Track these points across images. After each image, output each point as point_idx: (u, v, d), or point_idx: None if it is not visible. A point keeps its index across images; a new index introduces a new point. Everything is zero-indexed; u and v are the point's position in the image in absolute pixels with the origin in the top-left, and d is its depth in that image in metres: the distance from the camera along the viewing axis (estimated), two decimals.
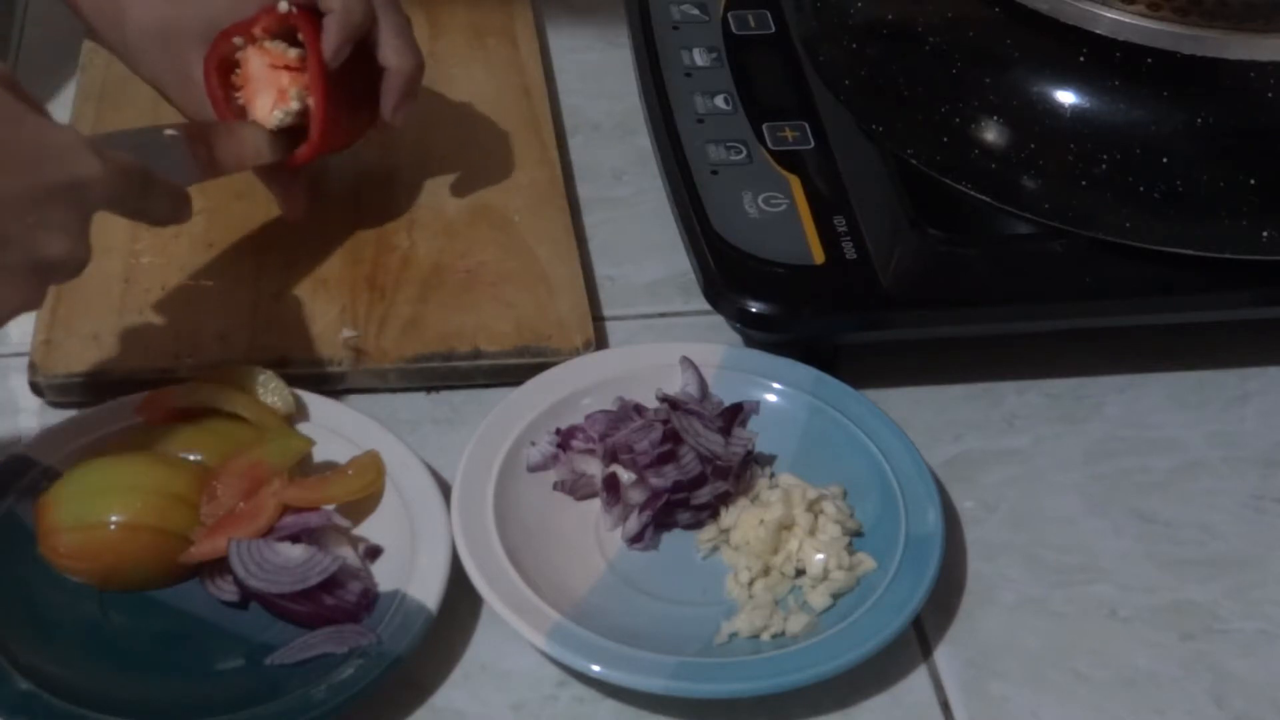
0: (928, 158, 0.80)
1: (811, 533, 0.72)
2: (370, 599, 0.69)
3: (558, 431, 0.75)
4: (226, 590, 0.70)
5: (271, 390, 0.76)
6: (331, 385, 0.79)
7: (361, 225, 0.86)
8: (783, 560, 0.72)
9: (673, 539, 0.74)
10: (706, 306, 0.80)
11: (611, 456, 0.73)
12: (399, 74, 0.80)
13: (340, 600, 0.68)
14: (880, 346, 0.81)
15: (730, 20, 0.93)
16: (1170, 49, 0.77)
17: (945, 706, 0.70)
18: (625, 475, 0.73)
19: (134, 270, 0.83)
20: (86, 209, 0.66)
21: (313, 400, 0.76)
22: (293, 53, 0.79)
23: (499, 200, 0.88)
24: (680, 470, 0.72)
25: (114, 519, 0.69)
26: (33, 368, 0.78)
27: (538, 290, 0.83)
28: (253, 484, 0.71)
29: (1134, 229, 0.77)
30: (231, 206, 0.86)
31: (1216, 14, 0.76)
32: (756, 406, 0.76)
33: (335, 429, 0.75)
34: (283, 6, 0.78)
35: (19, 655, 0.66)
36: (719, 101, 0.88)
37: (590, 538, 0.73)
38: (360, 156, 0.89)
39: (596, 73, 0.99)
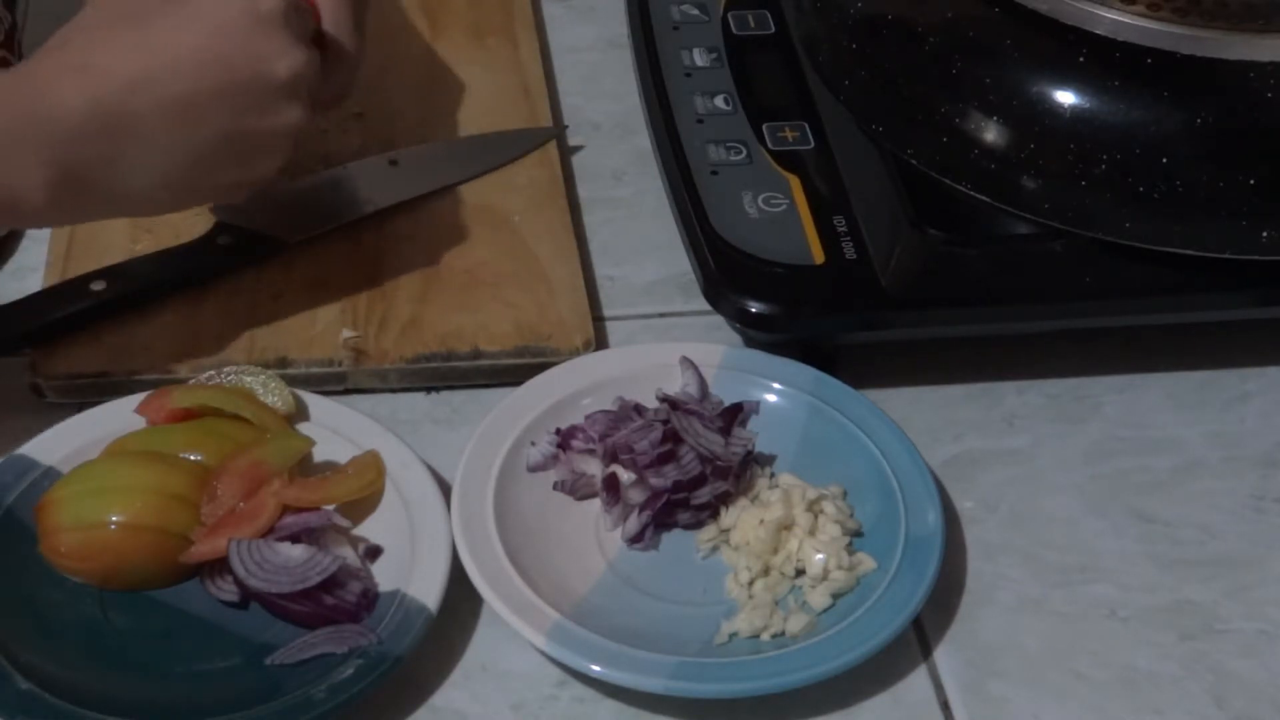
0: (928, 158, 0.80)
1: (811, 533, 0.72)
2: (370, 599, 0.69)
3: (558, 431, 0.75)
4: (226, 590, 0.70)
5: (271, 390, 0.76)
6: (331, 385, 0.79)
7: (362, 225, 0.86)
8: (783, 560, 0.72)
9: (673, 539, 0.74)
10: (706, 306, 0.80)
11: (611, 456, 0.73)
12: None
13: (340, 600, 0.68)
14: (880, 346, 0.81)
15: (730, 20, 0.93)
16: (1170, 49, 0.77)
17: (945, 706, 0.70)
18: (625, 475, 0.73)
19: None
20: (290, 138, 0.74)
21: (313, 400, 0.76)
22: None
23: (499, 200, 0.88)
24: (680, 470, 0.72)
25: (114, 519, 0.69)
26: (33, 368, 0.78)
27: (538, 290, 0.83)
28: (253, 484, 0.71)
29: (1134, 229, 0.77)
30: None
31: (1216, 14, 0.76)
32: (756, 406, 0.76)
33: (335, 429, 0.75)
34: None
35: (19, 655, 0.66)
36: (719, 101, 0.88)
37: (590, 538, 0.73)
38: (360, 155, 0.89)
39: (596, 73, 0.99)
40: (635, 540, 0.73)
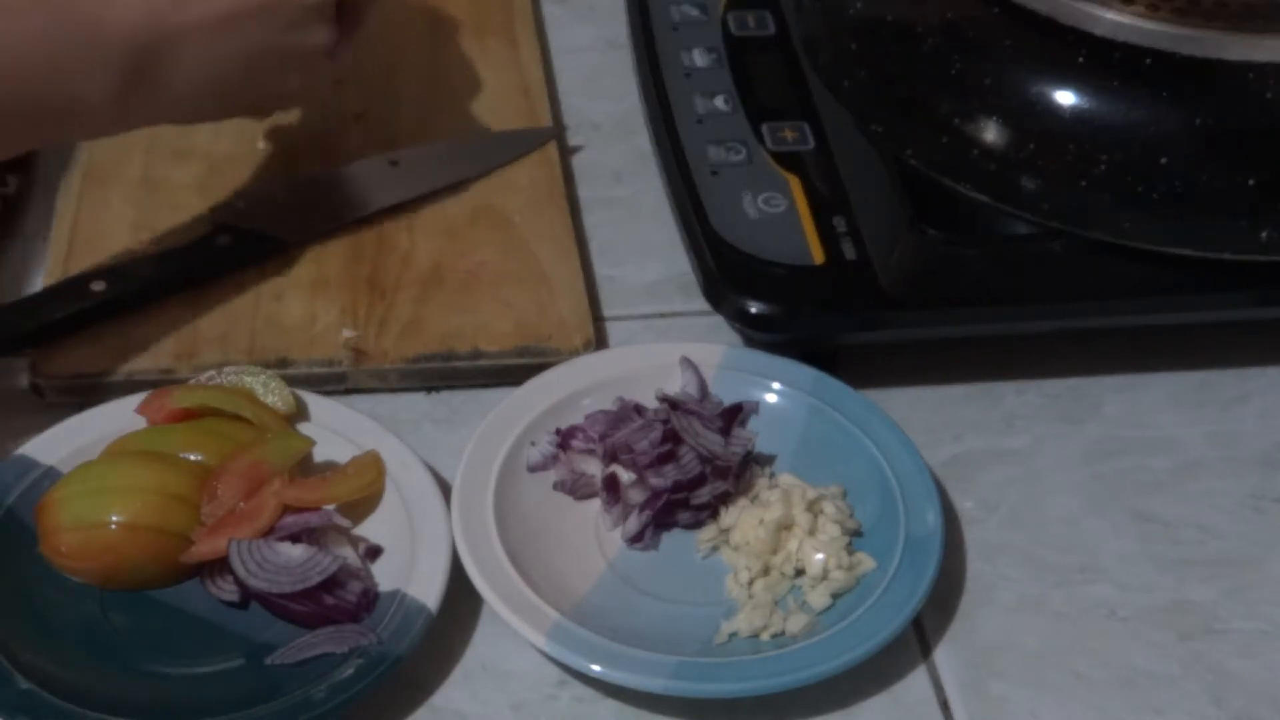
0: (928, 158, 0.80)
1: (811, 533, 0.72)
2: (370, 599, 0.69)
3: (558, 431, 0.75)
4: (227, 590, 0.70)
5: (271, 390, 0.76)
6: (331, 385, 0.79)
7: (362, 225, 0.86)
8: (782, 560, 0.72)
9: (673, 539, 0.74)
10: (706, 306, 0.80)
11: (611, 456, 0.73)
12: None
13: (340, 600, 0.68)
14: (880, 346, 0.82)
15: (730, 21, 0.93)
16: (1169, 50, 0.77)
17: (945, 706, 0.70)
18: (625, 475, 0.73)
19: None
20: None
21: (313, 400, 0.76)
22: None
23: (499, 200, 0.88)
24: (680, 470, 0.72)
25: (115, 519, 0.69)
26: (33, 368, 0.78)
27: (538, 290, 0.83)
28: (253, 484, 0.71)
29: (1134, 229, 0.78)
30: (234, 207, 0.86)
31: (1215, 15, 0.76)
32: (756, 406, 0.76)
33: (335, 429, 0.75)
34: None
35: (19, 655, 0.67)
36: (719, 102, 0.88)
37: (590, 538, 0.73)
38: (360, 155, 0.89)
39: (596, 73, 0.99)
40: (635, 540, 0.73)
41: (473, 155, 0.90)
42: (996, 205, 0.79)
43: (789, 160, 0.85)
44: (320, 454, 0.74)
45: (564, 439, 0.75)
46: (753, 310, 0.78)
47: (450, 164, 0.89)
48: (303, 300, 0.82)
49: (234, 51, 0.76)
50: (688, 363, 0.77)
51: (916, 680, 0.71)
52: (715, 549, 0.73)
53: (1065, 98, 0.78)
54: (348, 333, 0.80)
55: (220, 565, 0.69)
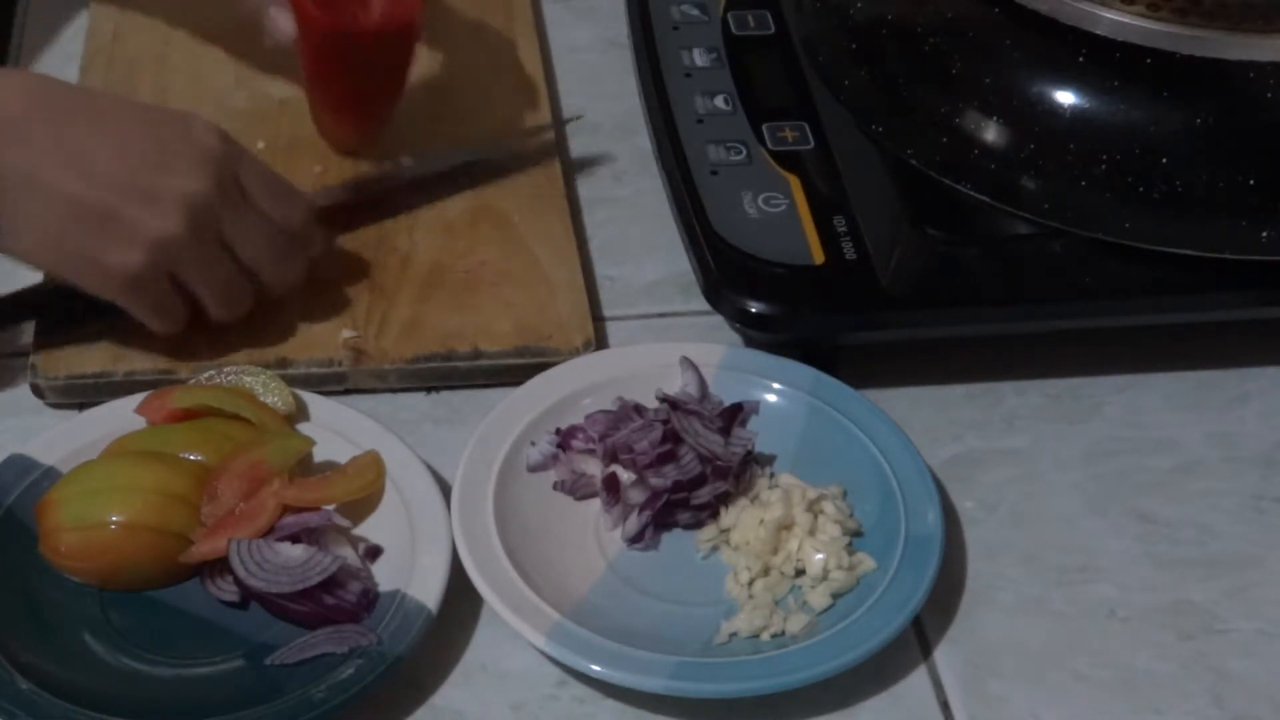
0: (928, 158, 0.81)
1: (811, 533, 0.72)
2: (370, 599, 0.69)
3: (558, 431, 0.75)
4: (227, 590, 0.70)
5: (271, 390, 0.76)
6: (331, 385, 0.79)
7: (362, 225, 0.86)
8: (782, 560, 0.72)
9: (673, 539, 0.74)
10: (706, 306, 0.80)
11: (611, 456, 0.73)
12: None
13: (340, 600, 0.68)
14: (880, 346, 0.82)
15: (730, 20, 0.93)
16: (1170, 49, 0.77)
17: (945, 706, 0.70)
18: (625, 475, 0.73)
19: None
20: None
21: (313, 400, 0.76)
22: None
23: (499, 200, 0.88)
24: (680, 470, 0.72)
25: (114, 519, 0.69)
26: (33, 369, 0.78)
27: (538, 290, 0.83)
28: (253, 484, 0.71)
29: (1134, 229, 0.78)
30: None
31: (1216, 14, 0.76)
32: (756, 406, 0.76)
33: (335, 429, 0.75)
34: None
35: (19, 655, 0.67)
36: (719, 101, 0.88)
37: (590, 538, 0.73)
38: (360, 155, 0.89)
39: (596, 73, 0.99)
40: (635, 540, 0.73)
41: (473, 155, 0.90)
42: (996, 205, 0.79)
43: (789, 160, 0.85)
44: (320, 454, 0.74)
45: (564, 439, 0.75)
46: (753, 310, 0.78)
47: (451, 164, 0.89)
48: (303, 300, 0.82)
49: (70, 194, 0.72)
50: (688, 363, 0.77)
51: (916, 680, 0.71)
52: (715, 549, 0.73)
53: (1065, 97, 0.78)
54: (348, 333, 0.80)
55: (220, 565, 0.69)
